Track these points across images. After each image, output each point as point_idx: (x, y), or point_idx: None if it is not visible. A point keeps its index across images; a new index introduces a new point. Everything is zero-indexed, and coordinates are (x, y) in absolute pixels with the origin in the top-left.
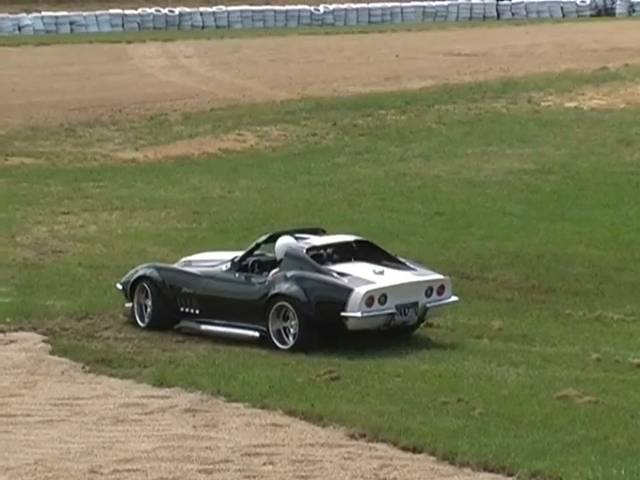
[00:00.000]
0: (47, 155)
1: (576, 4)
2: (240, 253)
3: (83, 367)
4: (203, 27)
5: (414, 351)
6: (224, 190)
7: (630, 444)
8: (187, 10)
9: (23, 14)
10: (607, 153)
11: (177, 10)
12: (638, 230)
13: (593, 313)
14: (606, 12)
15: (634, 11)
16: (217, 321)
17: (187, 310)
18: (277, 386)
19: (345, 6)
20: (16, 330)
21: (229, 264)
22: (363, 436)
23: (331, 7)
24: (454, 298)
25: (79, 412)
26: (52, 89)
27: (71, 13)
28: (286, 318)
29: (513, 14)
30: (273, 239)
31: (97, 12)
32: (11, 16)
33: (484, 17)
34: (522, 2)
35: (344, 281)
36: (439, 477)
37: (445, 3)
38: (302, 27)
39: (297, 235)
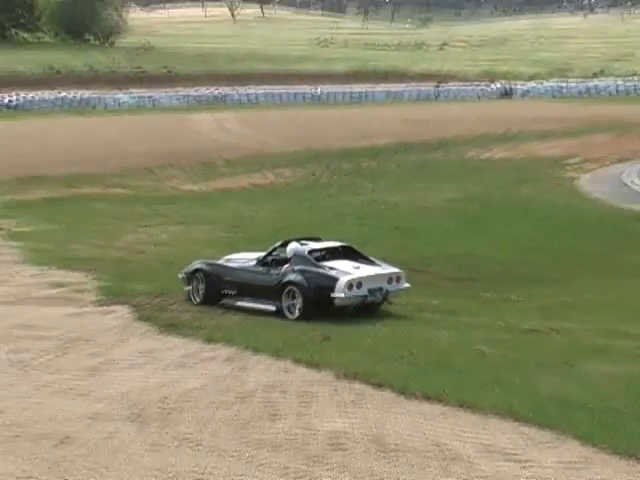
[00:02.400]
0: (133, 187)
1: (487, 90)
2: (263, 253)
3: (157, 329)
4: (240, 102)
5: (380, 320)
6: (253, 211)
7: (524, 383)
8: (229, 91)
9: (121, 94)
10: (509, 188)
11: (222, 90)
12: (529, 238)
13: (500, 295)
14: (507, 94)
15: (527, 94)
16: (247, 299)
17: (227, 292)
18: (287, 343)
19: (335, 89)
20: (113, 304)
21: (255, 261)
22: (345, 377)
23: (325, 89)
24: (407, 285)
25: (154, 359)
26: (138, 143)
27: (151, 92)
28: (293, 297)
29: (446, 95)
30: (285, 244)
31: (169, 92)
32: (114, 95)
33: (427, 97)
34: (451, 88)
35: (333, 273)
36: (397, 406)
37: (401, 88)
38: (306, 102)
39: (301, 241)
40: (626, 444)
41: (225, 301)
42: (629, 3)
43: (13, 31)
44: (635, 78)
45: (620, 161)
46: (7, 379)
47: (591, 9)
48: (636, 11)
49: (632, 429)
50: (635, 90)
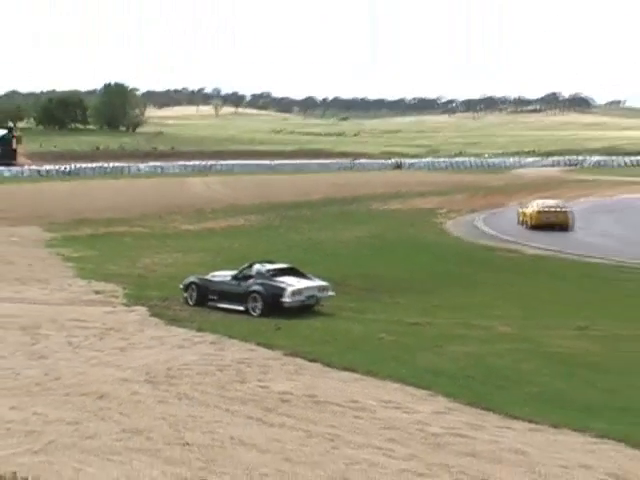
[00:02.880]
0: (149, 227)
1: (385, 163)
2: (236, 271)
3: (164, 322)
4: (221, 170)
5: (313, 317)
6: (230, 244)
7: (409, 358)
8: (214, 162)
9: (141, 165)
10: (400, 229)
11: (209, 162)
12: (413, 262)
13: (393, 300)
14: (399, 167)
15: (412, 166)
16: (225, 302)
17: (212, 297)
18: (252, 332)
19: (284, 162)
20: (134, 305)
21: (230, 277)
22: (290, 354)
23: (278, 162)
24: (332, 293)
25: (163, 343)
26: (152, 197)
27: (162, 164)
28: (256, 301)
29: (358, 167)
30: (251, 265)
31: (173, 163)
32: (136, 165)
33: (345, 168)
34: (362, 162)
35: (282, 285)
36: (325, 374)
37: (328, 161)
38: (265, 171)
39: (262, 263)
40: (476, 399)
41: (211, 303)
42: (478, 107)
43: (70, 124)
44: (482, 157)
45: (472, 212)
46: (63, 355)
47: (453, 111)
48: (483, 113)
49: (480, 389)
50: (481, 165)
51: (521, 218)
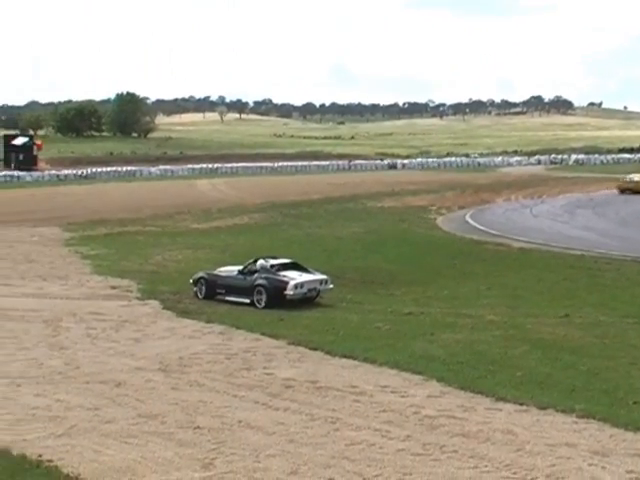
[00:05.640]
0: (161, 226)
1: (380, 164)
2: (241, 267)
3: (176, 315)
4: (227, 173)
5: (314, 308)
6: (236, 241)
7: (404, 346)
8: (220, 165)
9: (152, 168)
10: (394, 225)
11: (215, 165)
12: (407, 256)
13: (389, 292)
14: (393, 167)
15: (405, 166)
16: (232, 295)
17: (219, 291)
18: (257, 322)
19: (286, 164)
20: (148, 299)
21: (237, 271)
22: (293, 343)
23: (280, 164)
24: (331, 286)
25: (175, 333)
26: (163, 199)
27: (171, 167)
28: (261, 294)
29: (355, 168)
30: (255, 261)
31: (182, 166)
32: (148, 169)
33: (343, 169)
34: (358, 163)
35: (285, 278)
36: (326, 361)
37: (327, 163)
38: (268, 172)
39: (265, 258)
40: (467, 383)
41: (218, 297)
42: (466, 110)
43: (86, 131)
44: (471, 157)
45: (461, 208)
46: (83, 345)
47: (443, 114)
48: (471, 116)
49: (470, 373)
50: (470, 164)
51: (624, 186)
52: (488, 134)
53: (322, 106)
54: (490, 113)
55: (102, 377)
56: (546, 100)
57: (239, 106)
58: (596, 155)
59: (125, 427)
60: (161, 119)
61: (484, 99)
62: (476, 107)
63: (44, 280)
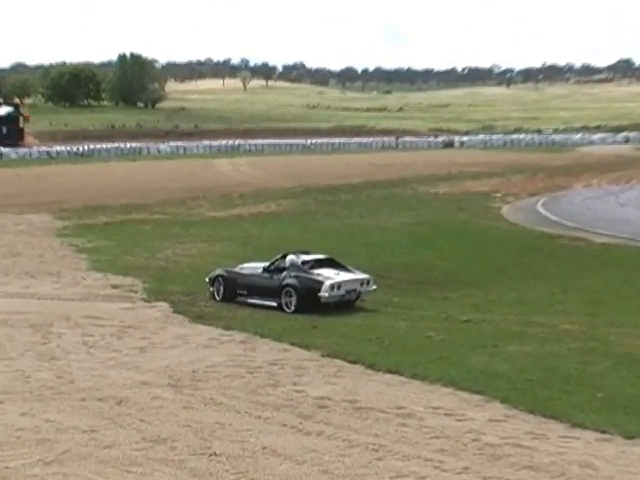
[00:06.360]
0: (171, 214)
1: (434, 142)
2: (267, 263)
3: (188, 320)
4: (250, 150)
5: (354, 313)
6: (259, 232)
7: (461, 359)
8: (242, 142)
9: (161, 145)
10: (450, 214)
11: (237, 141)
12: (465, 252)
13: (443, 294)
14: (449, 145)
15: (464, 145)
16: (255, 297)
17: (240, 292)
18: (285, 330)
19: (320, 140)
20: (156, 301)
21: (262, 269)
22: (328, 355)
23: (313, 141)
24: (374, 287)
25: (187, 342)
26: (174, 181)
27: (184, 143)
28: (290, 296)
29: (403, 146)
30: (284, 256)
31: (197, 143)
32: (156, 146)
33: (389, 147)
34: (407, 140)
35: (320, 278)
36: (367, 377)
37: (369, 140)
38: (298, 151)
39: (296, 254)
40: (537, 405)
41: (239, 299)
42: (540, 76)
43: (82, 99)
44: (544, 133)
45: (531, 195)
46: (78, 356)
47: (510, 82)
48: (544, 84)
49: (541, 393)
50: (543, 143)
51: None
52: (565, 106)
53: (365, 72)
54: (568, 80)
55: (101, 393)
56: (637, 65)
57: (265, 71)
58: None
59: (127, 453)
60: (172, 86)
61: (561, 64)
62: (551, 73)
63: (32, 277)
